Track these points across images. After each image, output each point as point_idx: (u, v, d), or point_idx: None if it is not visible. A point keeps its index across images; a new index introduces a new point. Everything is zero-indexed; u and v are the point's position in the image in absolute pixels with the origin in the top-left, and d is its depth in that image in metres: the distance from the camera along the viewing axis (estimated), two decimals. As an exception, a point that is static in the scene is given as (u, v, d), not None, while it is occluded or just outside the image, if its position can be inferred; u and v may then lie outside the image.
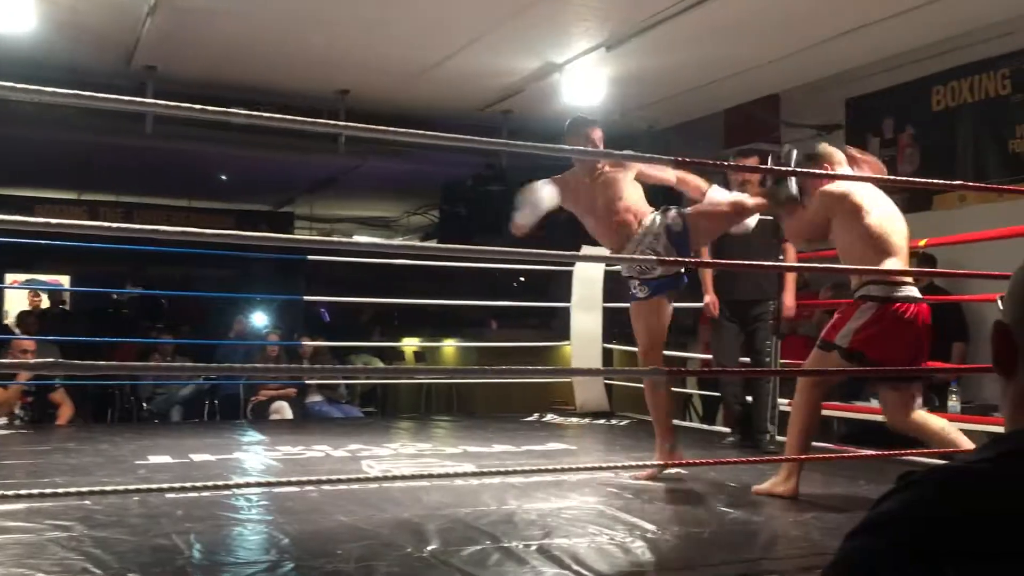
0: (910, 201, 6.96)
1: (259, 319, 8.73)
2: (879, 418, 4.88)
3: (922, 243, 3.98)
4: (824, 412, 3.86)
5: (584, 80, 6.67)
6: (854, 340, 3.19)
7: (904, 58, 6.62)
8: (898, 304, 3.20)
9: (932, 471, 0.77)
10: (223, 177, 9.96)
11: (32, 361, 4.90)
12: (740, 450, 4.69)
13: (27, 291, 9.82)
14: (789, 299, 4.84)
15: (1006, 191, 4.71)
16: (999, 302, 0.87)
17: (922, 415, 3.29)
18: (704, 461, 4.02)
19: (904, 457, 3.63)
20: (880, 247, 3.24)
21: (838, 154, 3.54)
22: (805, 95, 7.59)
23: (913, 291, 3.27)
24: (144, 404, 7.31)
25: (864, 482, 3.59)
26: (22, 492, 2.55)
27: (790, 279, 4.88)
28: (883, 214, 3.32)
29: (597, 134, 3.93)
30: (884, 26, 5.69)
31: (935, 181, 2.88)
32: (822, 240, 3.54)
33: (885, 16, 5.56)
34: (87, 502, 3.03)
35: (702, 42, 6.09)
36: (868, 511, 0.78)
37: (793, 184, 3.49)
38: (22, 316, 8.50)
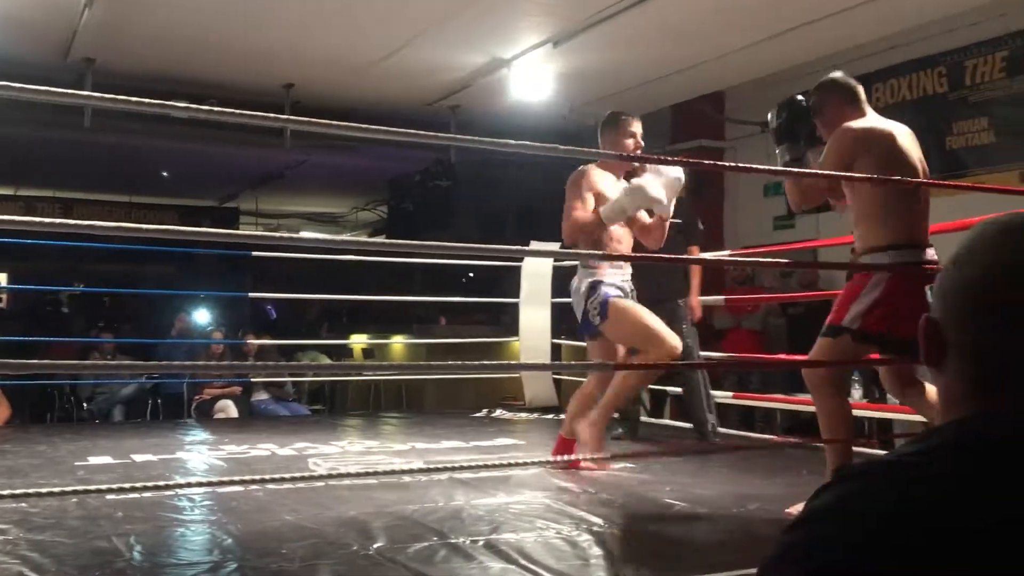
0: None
1: (202, 317, 8.60)
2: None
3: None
4: (769, 404, 3.92)
5: (532, 76, 6.68)
6: (866, 321, 2.82)
7: (846, 55, 6.73)
8: (911, 273, 2.81)
9: (867, 465, 0.78)
10: (164, 174, 9.78)
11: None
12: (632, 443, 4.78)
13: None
14: (694, 300, 4.87)
15: (944, 186, 4.83)
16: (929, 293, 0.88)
17: (926, 388, 2.99)
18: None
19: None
20: (909, 203, 2.91)
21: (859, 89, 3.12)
22: (750, 92, 7.68)
23: (930, 253, 2.91)
24: (84, 404, 7.16)
25: (807, 473, 3.65)
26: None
27: (695, 280, 4.90)
28: (915, 162, 2.99)
29: (635, 127, 3.93)
30: (827, 23, 5.78)
31: (874, 177, 2.90)
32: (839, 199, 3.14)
33: (828, 14, 5.65)
34: (23, 504, 2.95)
35: (649, 38, 6.13)
36: (804, 505, 0.78)
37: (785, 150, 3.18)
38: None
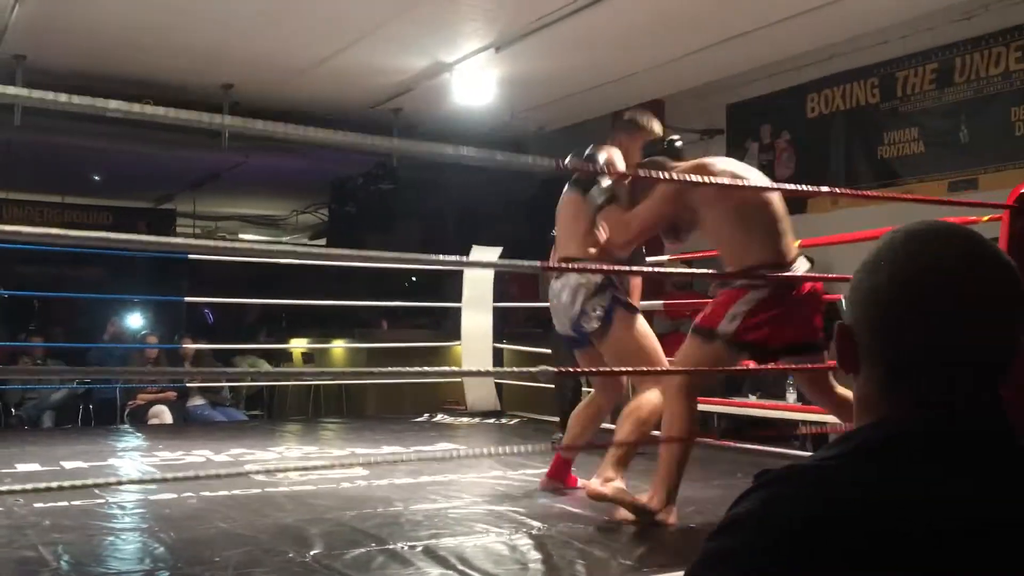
0: (786, 204, 7.24)
1: (135, 321, 8.42)
2: (758, 412, 5.07)
3: (795, 244, 4.13)
4: (705, 407, 3.94)
5: (474, 80, 6.68)
6: (741, 328, 2.82)
7: (782, 65, 6.87)
8: (790, 287, 2.87)
9: (788, 469, 0.80)
10: (96, 177, 9.55)
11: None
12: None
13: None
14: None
15: (873, 197, 4.95)
16: (842, 303, 0.90)
17: (845, 392, 2.93)
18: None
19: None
20: (770, 227, 2.92)
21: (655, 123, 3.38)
22: (689, 100, 7.79)
23: (804, 265, 2.98)
24: (13, 410, 6.95)
25: (742, 475, 3.70)
26: None
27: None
28: (762, 192, 3.02)
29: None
30: (764, 33, 5.89)
31: (806, 188, 2.97)
32: (688, 232, 3.19)
33: (765, 24, 5.75)
34: (-55, 514, 2.86)
35: (590, 46, 6.18)
36: (727, 511, 0.79)
37: (604, 182, 3.17)
38: None
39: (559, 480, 3.48)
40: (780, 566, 0.72)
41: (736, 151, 7.75)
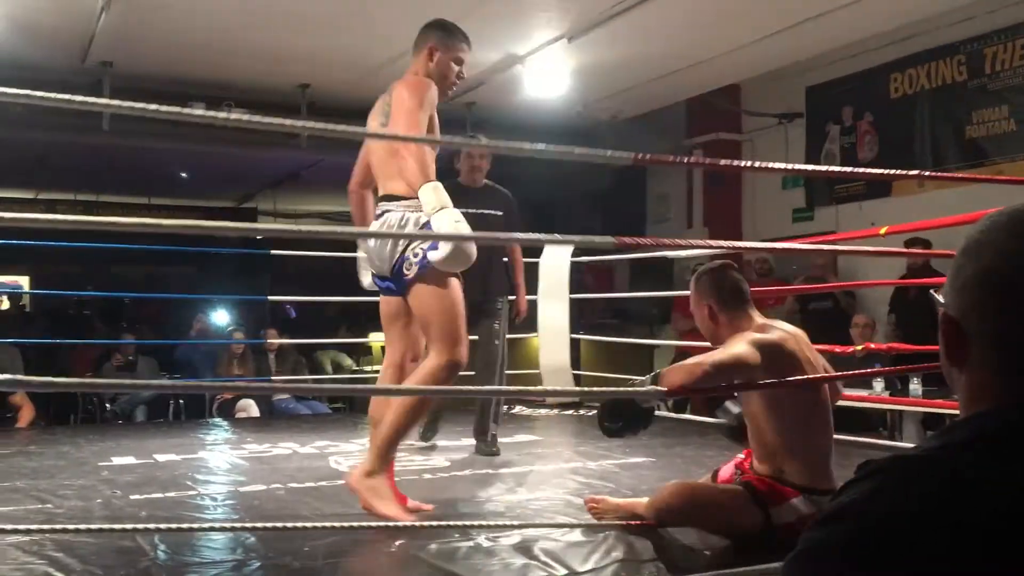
0: (870, 188, 7.07)
1: (221, 317, 8.65)
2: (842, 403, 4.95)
3: (882, 231, 4.02)
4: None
5: (546, 71, 6.67)
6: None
7: (863, 45, 6.69)
8: None
9: (891, 459, 0.78)
10: (183, 175, 9.83)
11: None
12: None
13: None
14: (522, 302, 4.59)
15: (963, 179, 4.78)
16: (934, 294, 0.86)
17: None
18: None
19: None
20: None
21: None
22: (766, 84, 7.65)
23: None
24: (107, 405, 7.21)
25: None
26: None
27: (520, 281, 4.62)
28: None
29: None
30: (844, 14, 5.74)
31: (893, 172, 2.87)
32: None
33: (845, 3, 5.60)
34: (49, 504, 2.99)
35: (664, 32, 6.10)
36: (829, 502, 0.78)
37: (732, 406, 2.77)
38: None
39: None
40: (884, 557, 0.70)
41: (816, 134, 7.60)
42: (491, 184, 4.46)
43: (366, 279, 3.19)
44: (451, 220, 2.67)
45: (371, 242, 2.95)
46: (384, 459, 2.85)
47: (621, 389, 2.51)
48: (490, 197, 4.36)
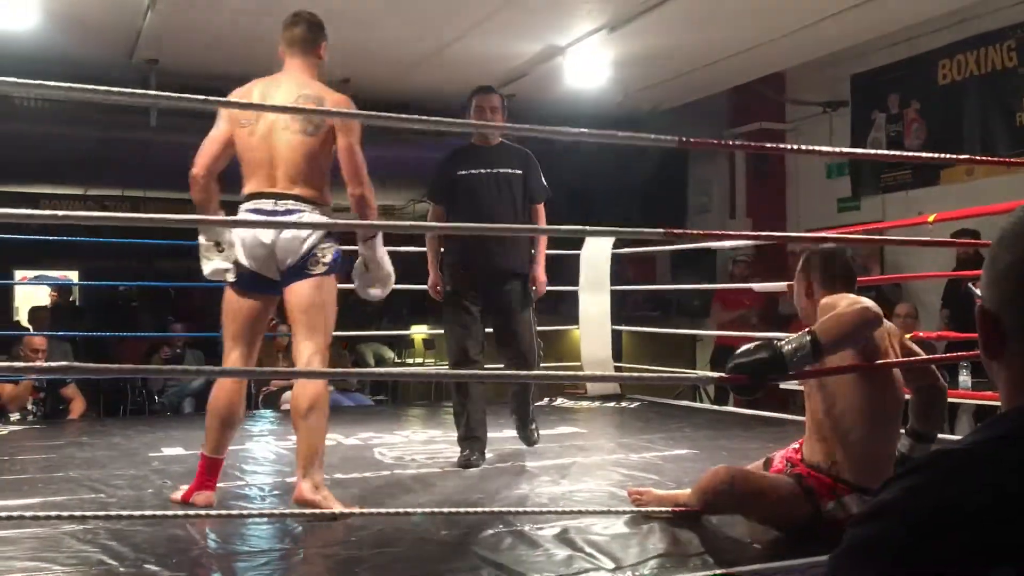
0: (918, 176, 6.95)
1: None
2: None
3: (931, 219, 3.96)
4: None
5: (587, 62, 6.65)
6: None
7: (909, 32, 6.58)
8: None
9: (933, 455, 0.77)
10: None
11: (44, 364, 4.95)
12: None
13: (45, 287, 9.90)
14: (540, 273, 4.00)
15: (1014, 164, 4.68)
16: (972, 287, 0.85)
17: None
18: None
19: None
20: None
21: None
22: (811, 72, 7.55)
23: None
24: (156, 397, 7.34)
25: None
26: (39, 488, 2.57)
27: (542, 249, 4.04)
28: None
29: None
30: (889, 0, 5.64)
31: (943, 156, 2.82)
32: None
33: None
34: (102, 494, 3.05)
35: (705, 21, 6.05)
36: (872, 498, 0.78)
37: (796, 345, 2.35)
38: (34, 311, 8.54)
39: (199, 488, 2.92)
40: (926, 554, 0.70)
41: (862, 123, 7.48)
42: (507, 142, 4.01)
43: (209, 267, 3.04)
44: (381, 258, 3.05)
45: (285, 236, 2.90)
46: (322, 466, 2.88)
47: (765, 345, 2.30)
48: (506, 155, 3.92)
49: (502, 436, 4.52)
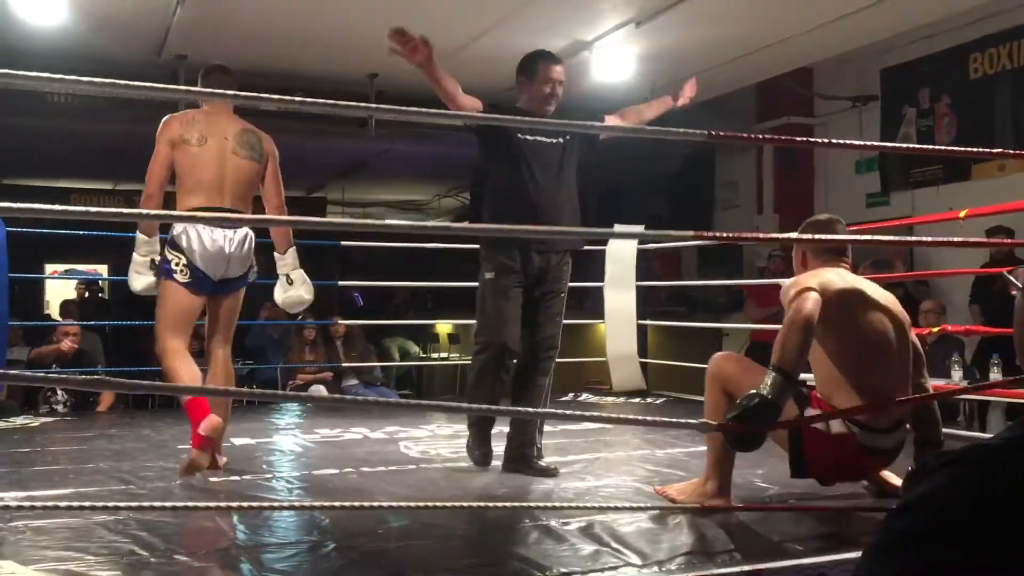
0: (948, 171, 6.87)
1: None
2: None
3: (962, 215, 3.91)
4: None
5: (614, 57, 6.62)
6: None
7: (940, 26, 6.50)
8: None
9: (970, 448, 0.76)
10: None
11: (73, 377, 5.34)
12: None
13: (74, 281, 10.04)
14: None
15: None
16: (1009, 275, 0.84)
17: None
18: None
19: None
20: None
21: None
22: (839, 66, 7.48)
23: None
24: (184, 390, 7.41)
25: (904, 457, 3.53)
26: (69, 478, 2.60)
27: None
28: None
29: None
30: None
31: (975, 150, 2.79)
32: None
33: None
34: (132, 486, 3.08)
35: (733, 14, 6.01)
36: (908, 491, 0.77)
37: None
38: (65, 304, 8.65)
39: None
40: (962, 549, 0.69)
41: (892, 118, 7.41)
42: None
43: (142, 283, 3.57)
44: (304, 275, 3.71)
45: (238, 250, 3.42)
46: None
47: (745, 400, 2.46)
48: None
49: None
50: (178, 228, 3.36)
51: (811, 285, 2.64)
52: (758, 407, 2.43)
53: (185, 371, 3.31)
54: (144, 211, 3.32)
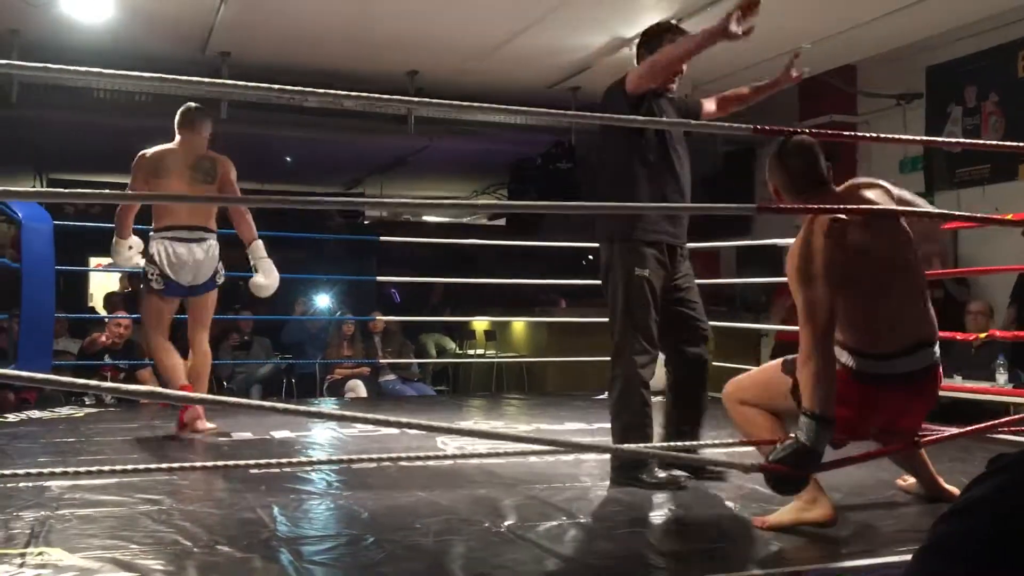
0: (995, 171, 6.75)
1: (323, 300, 8.87)
2: (963, 395, 4.77)
3: (1009, 217, 3.83)
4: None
5: (654, 54, 6.57)
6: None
7: (987, 23, 6.38)
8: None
9: (1023, 454, 0.75)
10: (288, 159, 10.11)
11: (113, 385, 5.31)
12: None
13: (118, 274, 10.19)
14: None
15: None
16: None
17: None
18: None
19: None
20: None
21: None
22: (884, 64, 7.38)
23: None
24: (225, 383, 7.51)
25: (949, 462, 3.49)
26: (116, 468, 2.64)
27: None
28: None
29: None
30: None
31: (1021, 145, 2.73)
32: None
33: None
34: (175, 477, 3.13)
35: (776, 11, 5.90)
36: (960, 495, 0.76)
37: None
38: (108, 297, 8.79)
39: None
40: (1014, 554, 0.68)
41: (937, 116, 7.29)
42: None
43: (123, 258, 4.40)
44: (271, 264, 4.40)
45: (203, 258, 4.18)
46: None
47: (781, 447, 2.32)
48: (678, 107, 3.57)
49: (564, 428, 4.52)
50: (153, 247, 4.13)
51: (815, 272, 2.36)
52: (799, 455, 2.28)
53: (171, 362, 4.15)
54: (195, 195, 4.27)
